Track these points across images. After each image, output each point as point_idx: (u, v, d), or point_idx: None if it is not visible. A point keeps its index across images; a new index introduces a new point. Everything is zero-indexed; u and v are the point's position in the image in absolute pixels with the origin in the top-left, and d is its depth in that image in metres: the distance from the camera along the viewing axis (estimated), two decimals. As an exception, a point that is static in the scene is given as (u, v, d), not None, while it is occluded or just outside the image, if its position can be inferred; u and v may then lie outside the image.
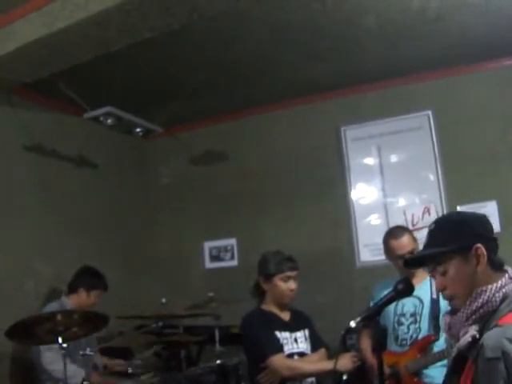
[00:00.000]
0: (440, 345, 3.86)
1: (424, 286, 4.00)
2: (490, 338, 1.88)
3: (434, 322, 3.92)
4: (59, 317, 3.66)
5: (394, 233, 4.26)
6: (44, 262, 5.08)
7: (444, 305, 3.92)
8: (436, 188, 5.55)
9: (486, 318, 2.01)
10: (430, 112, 5.65)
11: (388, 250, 4.25)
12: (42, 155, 5.39)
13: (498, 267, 2.08)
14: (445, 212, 5.39)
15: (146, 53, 4.78)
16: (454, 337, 2.16)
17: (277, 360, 3.68)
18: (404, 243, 4.13)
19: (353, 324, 2.49)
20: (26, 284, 4.99)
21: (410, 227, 5.37)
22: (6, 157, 5.05)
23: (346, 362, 3.65)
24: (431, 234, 2.21)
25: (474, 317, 2.04)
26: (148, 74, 5.33)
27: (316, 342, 3.99)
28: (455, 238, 2.11)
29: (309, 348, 3.93)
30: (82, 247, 5.14)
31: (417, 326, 4.03)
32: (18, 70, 4.53)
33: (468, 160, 5.41)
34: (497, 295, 2.01)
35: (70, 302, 4.64)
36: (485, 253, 2.05)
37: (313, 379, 3.82)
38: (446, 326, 2.19)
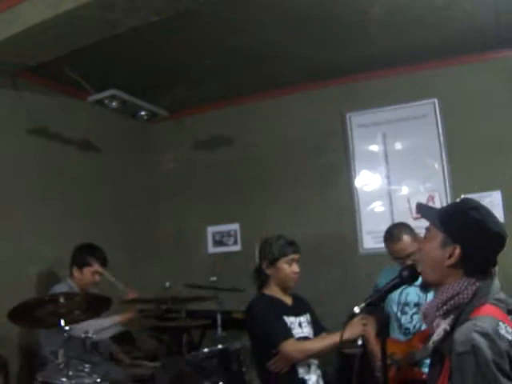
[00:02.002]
0: None
1: None
2: (461, 332, 1.92)
3: None
4: (62, 299, 3.66)
5: (392, 235, 4.24)
6: (47, 247, 5.08)
7: None
8: (441, 176, 5.54)
9: (459, 311, 2.03)
10: (435, 100, 5.62)
11: (388, 251, 4.27)
12: (45, 139, 5.38)
13: (472, 275, 2.08)
14: (449, 201, 5.39)
15: (152, 36, 4.74)
16: (429, 325, 2.21)
17: (289, 345, 3.63)
18: (403, 246, 4.13)
19: (357, 310, 2.48)
20: (29, 269, 4.99)
21: (414, 215, 5.36)
22: (10, 140, 5.05)
23: (353, 329, 3.53)
24: (452, 205, 2.33)
25: (444, 307, 2.08)
26: (154, 57, 5.30)
27: (317, 327, 3.97)
28: (452, 225, 2.15)
29: (311, 333, 3.90)
30: (86, 231, 5.14)
31: (420, 316, 4.04)
32: (23, 53, 4.49)
33: (473, 149, 5.38)
34: (469, 288, 2.05)
35: (73, 283, 4.66)
36: (458, 256, 2.09)
37: (319, 372, 3.81)
38: (422, 315, 2.26)
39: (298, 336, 3.77)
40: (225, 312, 5.07)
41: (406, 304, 4.12)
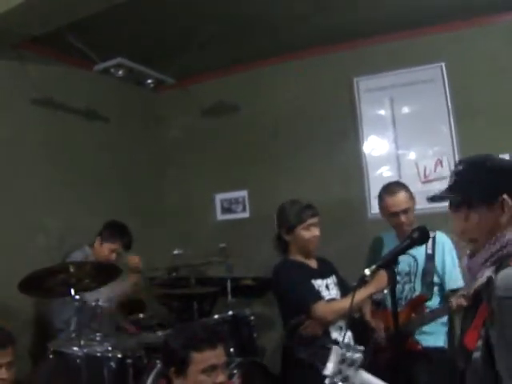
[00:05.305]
0: (432, 305, 3.82)
1: None
2: (502, 278, 1.90)
3: (427, 280, 3.88)
4: (72, 268, 3.68)
5: (389, 189, 4.10)
6: (55, 216, 5.09)
7: (440, 261, 3.87)
8: (449, 140, 5.49)
9: (503, 261, 2.00)
10: (443, 64, 5.56)
11: (382, 206, 4.13)
12: (51, 109, 5.36)
13: None
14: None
15: (156, 3, 4.71)
16: (472, 277, 2.16)
17: (320, 307, 3.59)
18: (399, 200, 3.99)
19: (367, 272, 2.49)
20: (37, 238, 5.01)
21: (422, 179, 5.36)
22: (15, 111, 5.04)
23: (380, 281, 3.45)
24: (459, 174, 2.16)
25: (492, 259, 2.03)
26: (159, 25, 5.24)
27: (344, 288, 3.92)
28: (483, 186, 2.08)
29: (338, 294, 3.86)
30: (93, 200, 5.15)
31: (411, 285, 3.97)
32: (27, 23, 4.45)
33: (481, 112, 5.32)
34: None
35: (92, 251, 4.67)
36: (510, 204, 2.03)
37: (349, 333, 3.76)
38: (466, 269, 2.20)
39: (326, 299, 3.74)
40: (234, 279, 5.10)
41: (397, 273, 3.83)
